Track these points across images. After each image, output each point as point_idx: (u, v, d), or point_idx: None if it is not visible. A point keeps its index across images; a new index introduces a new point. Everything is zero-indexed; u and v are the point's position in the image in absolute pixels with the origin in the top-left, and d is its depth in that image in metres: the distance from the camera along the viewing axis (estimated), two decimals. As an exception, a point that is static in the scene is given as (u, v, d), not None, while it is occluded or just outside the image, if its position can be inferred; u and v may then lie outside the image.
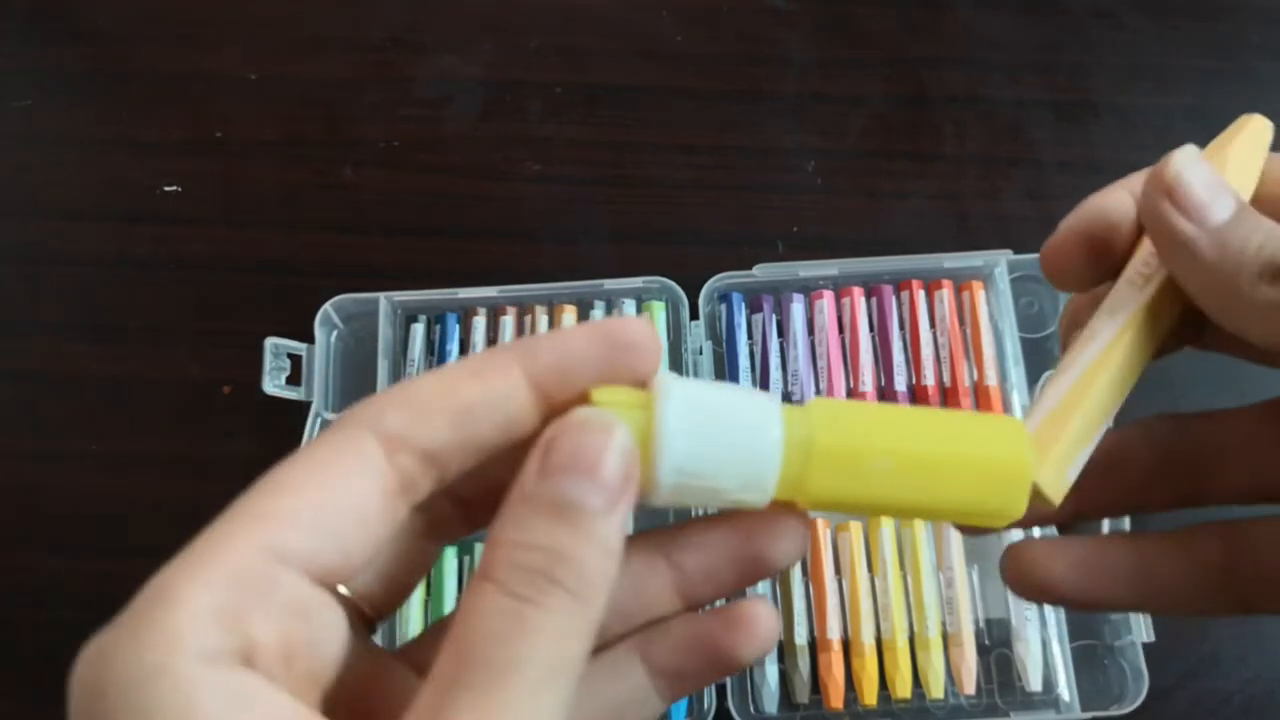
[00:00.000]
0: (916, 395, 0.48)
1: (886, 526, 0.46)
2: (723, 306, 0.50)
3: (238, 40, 0.59)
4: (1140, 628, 0.44)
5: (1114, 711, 0.43)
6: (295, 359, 0.49)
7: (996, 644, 0.45)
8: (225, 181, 0.56)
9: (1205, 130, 0.24)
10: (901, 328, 0.49)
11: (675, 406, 0.20)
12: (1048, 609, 0.45)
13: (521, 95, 0.57)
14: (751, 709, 0.44)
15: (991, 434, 0.21)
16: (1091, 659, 0.45)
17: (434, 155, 0.56)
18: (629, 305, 0.50)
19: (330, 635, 0.19)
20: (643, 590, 0.22)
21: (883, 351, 0.49)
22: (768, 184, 0.55)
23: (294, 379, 0.49)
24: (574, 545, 0.18)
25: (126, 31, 0.59)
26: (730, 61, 0.58)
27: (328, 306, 0.49)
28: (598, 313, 0.50)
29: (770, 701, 0.44)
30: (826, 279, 0.50)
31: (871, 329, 0.49)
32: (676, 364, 0.49)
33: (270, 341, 0.48)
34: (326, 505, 0.19)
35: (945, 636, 0.44)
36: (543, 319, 0.50)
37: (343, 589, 0.20)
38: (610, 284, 0.49)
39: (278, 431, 0.48)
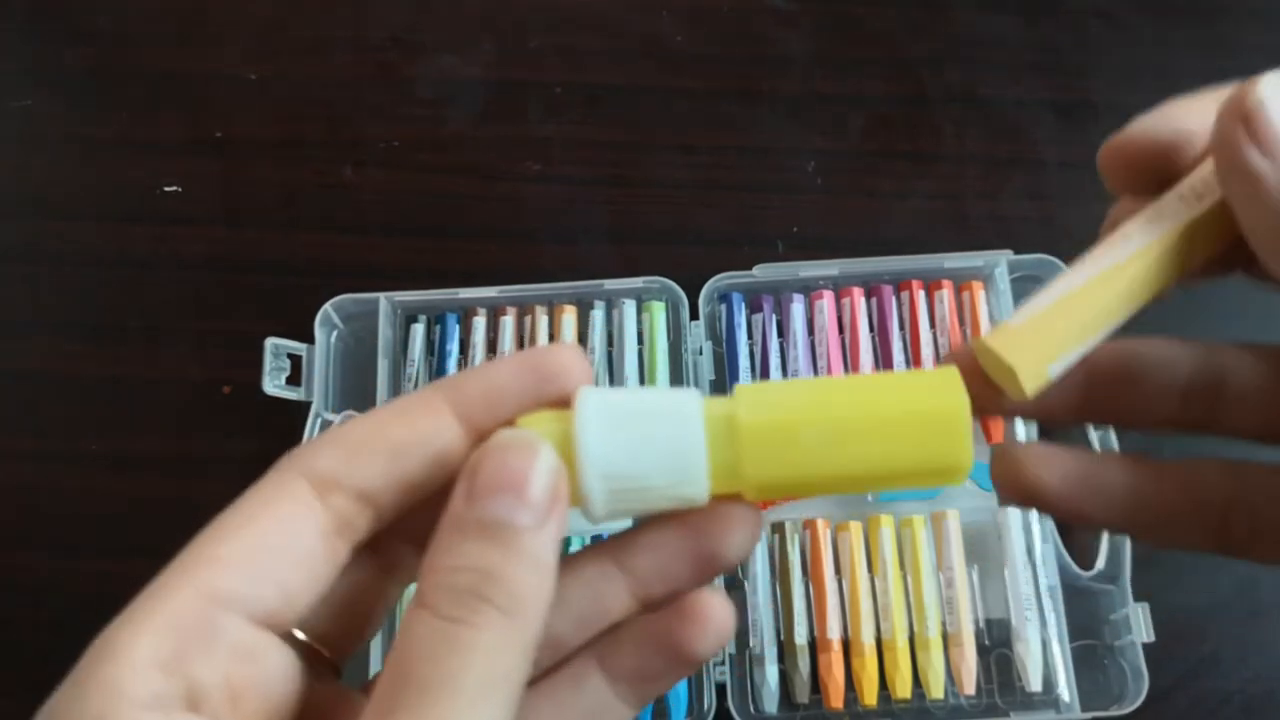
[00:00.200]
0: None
1: (886, 527, 0.46)
2: (723, 306, 0.50)
3: (238, 40, 0.59)
4: (1140, 628, 0.44)
5: (1114, 711, 0.43)
6: (295, 359, 0.49)
7: (996, 644, 0.45)
8: (225, 181, 0.56)
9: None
10: (901, 328, 0.49)
11: (592, 414, 0.20)
12: (1047, 609, 0.45)
13: (521, 95, 0.57)
14: (751, 709, 0.44)
15: (924, 387, 0.21)
16: (1091, 659, 0.45)
17: (434, 155, 0.56)
18: (629, 305, 0.50)
19: (280, 676, 0.19)
20: (598, 598, 0.22)
21: (883, 351, 0.49)
22: (768, 184, 0.55)
23: (294, 379, 0.49)
24: (503, 563, 0.18)
25: (126, 31, 0.59)
26: (730, 61, 0.58)
27: (328, 306, 0.49)
28: (598, 313, 0.50)
29: (770, 701, 0.44)
30: (826, 279, 0.50)
31: (871, 329, 0.49)
32: (676, 364, 0.49)
33: (270, 341, 0.48)
34: (262, 549, 0.19)
35: (945, 636, 0.44)
36: (543, 319, 0.50)
37: (299, 633, 0.20)
38: (610, 284, 0.49)
39: (278, 431, 0.48)
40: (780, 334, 0.50)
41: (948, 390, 0.20)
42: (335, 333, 0.50)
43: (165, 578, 0.19)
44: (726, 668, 0.44)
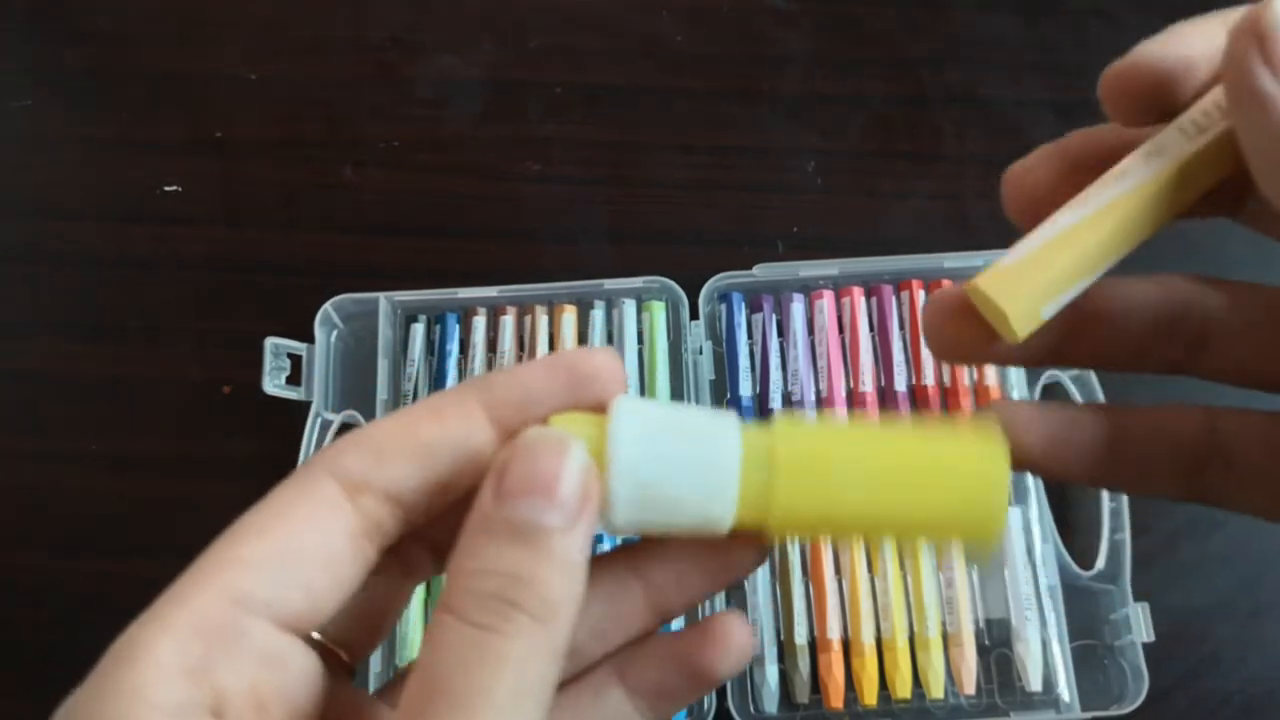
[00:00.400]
0: (917, 395, 0.48)
1: (886, 526, 0.46)
2: (723, 306, 0.50)
3: (238, 40, 0.59)
4: (1140, 628, 0.44)
5: (1114, 711, 0.43)
6: (295, 359, 0.49)
7: (996, 644, 0.45)
8: (225, 181, 0.56)
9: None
10: (901, 328, 0.49)
11: (628, 422, 0.19)
12: (1047, 608, 0.45)
13: (521, 95, 0.57)
14: (751, 709, 0.44)
15: (967, 447, 0.20)
16: (1091, 659, 0.45)
17: (434, 155, 0.56)
18: (629, 305, 0.50)
19: (304, 681, 0.19)
20: (615, 608, 0.22)
21: (883, 351, 0.49)
22: (768, 184, 0.55)
23: (294, 379, 0.49)
24: (533, 567, 0.18)
25: (126, 31, 0.59)
26: (730, 61, 0.58)
27: (328, 306, 0.49)
28: (598, 313, 0.50)
29: (770, 701, 0.44)
30: (826, 279, 0.50)
31: (871, 329, 0.49)
32: (676, 364, 0.49)
33: (270, 341, 0.48)
34: (290, 551, 0.19)
35: (945, 636, 0.44)
36: (543, 319, 0.50)
37: (316, 635, 0.20)
38: (610, 284, 0.49)
39: (278, 431, 0.48)
40: (780, 334, 0.50)
41: (991, 456, 0.20)
42: (335, 332, 0.50)
43: (189, 578, 0.18)
44: (726, 668, 0.44)
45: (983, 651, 0.45)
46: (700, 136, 0.56)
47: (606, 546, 0.44)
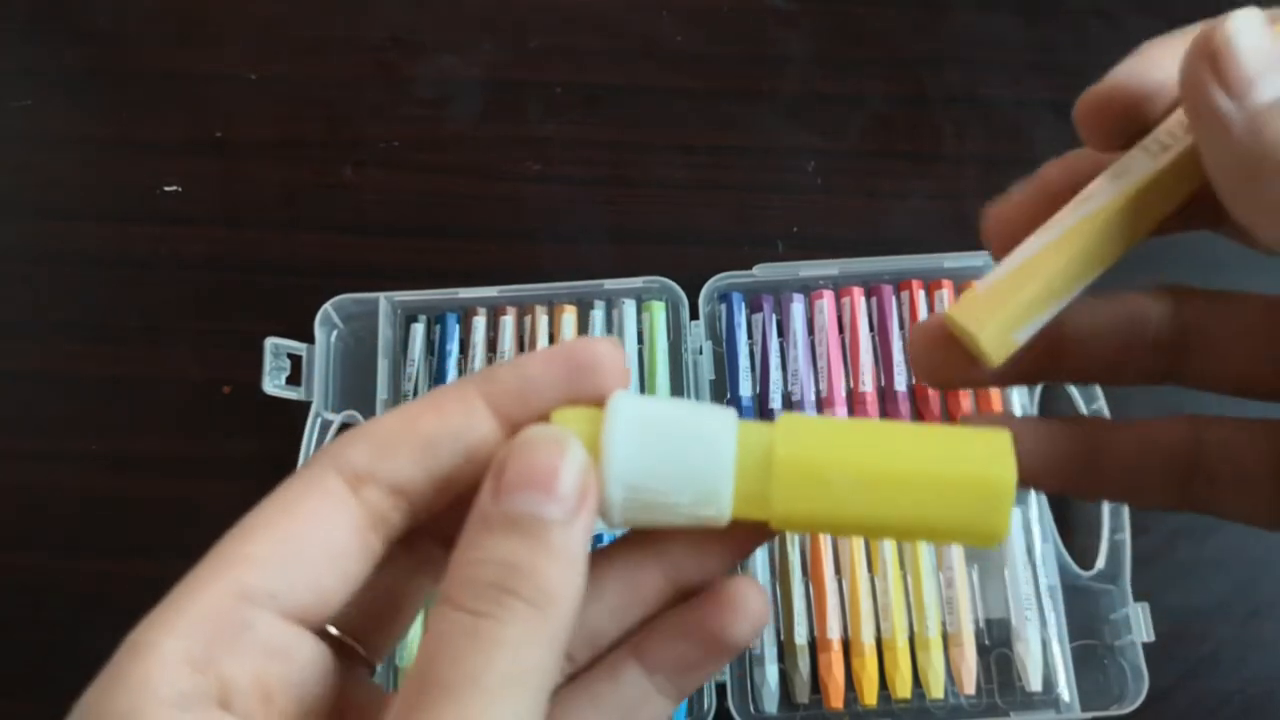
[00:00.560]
0: (917, 395, 0.48)
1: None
2: (723, 306, 0.50)
3: (238, 40, 0.59)
4: (1140, 628, 0.44)
5: (1114, 711, 0.43)
6: (295, 359, 0.49)
7: (996, 644, 0.45)
8: (225, 181, 0.56)
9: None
10: (901, 328, 0.49)
11: (624, 419, 0.20)
12: (1047, 608, 0.45)
13: (521, 95, 0.57)
14: (751, 709, 0.44)
15: (973, 448, 0.20)
16: (1091, 659, 0.45)
17: (434, 155, 0.56)
18: (629, 305, 0.50)
19: (312, 673, 0.19)
20: (634, 585, 0.22)
21: (883, 351, 0.49)
22: (768, 184, 0.55)
23: (294, 379, 0.49)
24: (531, 557, 0.18)
25: (126, 31, 0.59)
26: (730, 61, 0.58)
27: (328, 306, 0.49)
28: (598, 313, 0.50)
29: (770, 701, 0.44)
30: (826, 279, 0.50)
31: (871, 329, 0.49)
32: (676, 364, 0.49)
33: (270, 341, 0.48)
34: (295, 545, 0.19)
35: (945, 636, 0.45)
36: (543, 319, 0.50)
37: (334, 631, 0.20)
38: (610, 284, 0.49)
39: (278, 431, 0.48)
40: (780, 334, 0.50)
41: (997, 458, 0.20)
42: (335, 332, 0.50)
43: (196, 574, 0.18)
44: (726, 667, 0.44)
45: (983, 651, 0.45)
46: (700, 136, 0.56)
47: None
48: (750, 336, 0.50)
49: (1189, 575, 0.47)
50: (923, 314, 0.49)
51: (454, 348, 0.50)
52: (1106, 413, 0.47)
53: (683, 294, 0.49)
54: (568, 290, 0.50)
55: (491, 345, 0.50)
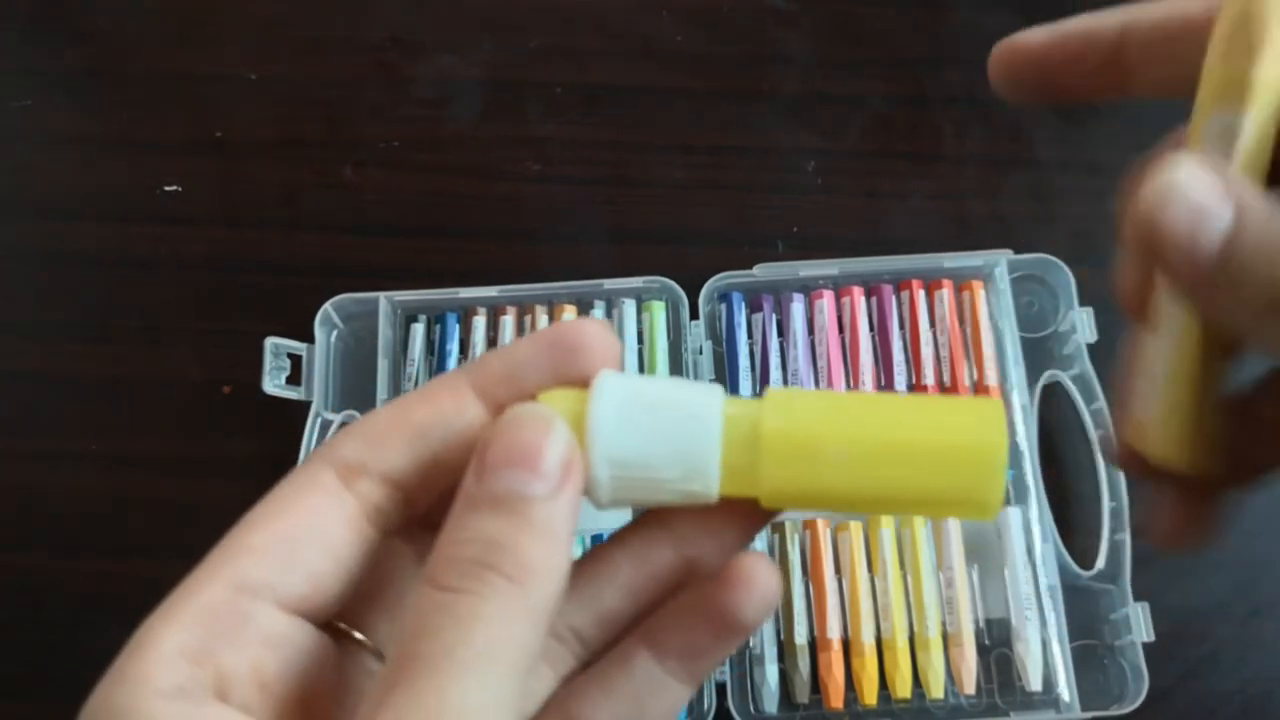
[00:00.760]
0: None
1: (887, 527, 0.46)
2: (723, 306, 0.50)
3: (238, 40, 0.59)
4: (1140, 627, 0.44)
5: (1114, 711, 0.43)
6: (295, 359, 0.49)
7: (996, 644, 0.45)
8: (225, 181, 0.56)
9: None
10: (901, 328, 0.49)
11: (608, 397, 0.20)
12: (1047, 608, 0.45)
13: (521, 95, 0.57)
14: (751, 709, 0.44)
15: (963, 416, 0.20)
16: (1091, 659, 0.45)
17: (434, 155, 0.56)
18: (629, 305, 0.50)
19: (310, 661, 0.20)
20: (646, 563, 0.22)
21: (883, 351, 0.49)
22: (768, 184, 0.55)
23: (294, 379, 0.49)
24: (513, 533, 0.18)
25: (126, 31, 0.59)
26: (730, 61, 0.58)
27: (328, 306, 0.49)
28: (598, 313, 0.50)
29: (770, 701, 0.44)
30: (826, 279, 0.50)
31: (871, 329, 0.49)
32: (676, 364, 0.49)
33: (270, 341, 0.48)
34: (291, 537, 0.19)
35: (945, 636, 0.44)
36: (543, 319, 0.50)
37: (343, 625, 0.21)
38: (610, 284, 0.49)
39: (278, 431, 0.48)
40: (780, 333, 0.50)
41: (989, 426, 0.19)
42: (335, 332, 0.50)
43: (198, 571, 0.19)
44: (726, 667, 0.44)
45: (983, 651, 0.45)
46: (700, 136, 0.56)
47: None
48: (750, 336, 0.50)
49: (1189, 575, 0.47)
50: (923, 313, 0.49)
51: (454, 348, 0.50)
52: (1107, 413, 0.47)
53: (683, 294, 0.49)
54: (567, 290, 0.50)
55: (491, 345, 0.50)
